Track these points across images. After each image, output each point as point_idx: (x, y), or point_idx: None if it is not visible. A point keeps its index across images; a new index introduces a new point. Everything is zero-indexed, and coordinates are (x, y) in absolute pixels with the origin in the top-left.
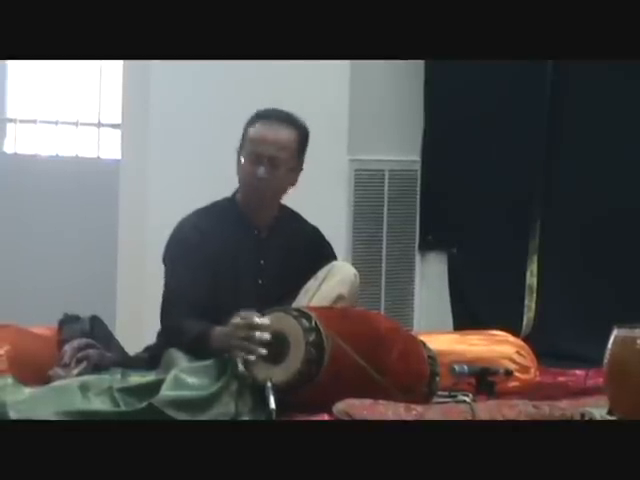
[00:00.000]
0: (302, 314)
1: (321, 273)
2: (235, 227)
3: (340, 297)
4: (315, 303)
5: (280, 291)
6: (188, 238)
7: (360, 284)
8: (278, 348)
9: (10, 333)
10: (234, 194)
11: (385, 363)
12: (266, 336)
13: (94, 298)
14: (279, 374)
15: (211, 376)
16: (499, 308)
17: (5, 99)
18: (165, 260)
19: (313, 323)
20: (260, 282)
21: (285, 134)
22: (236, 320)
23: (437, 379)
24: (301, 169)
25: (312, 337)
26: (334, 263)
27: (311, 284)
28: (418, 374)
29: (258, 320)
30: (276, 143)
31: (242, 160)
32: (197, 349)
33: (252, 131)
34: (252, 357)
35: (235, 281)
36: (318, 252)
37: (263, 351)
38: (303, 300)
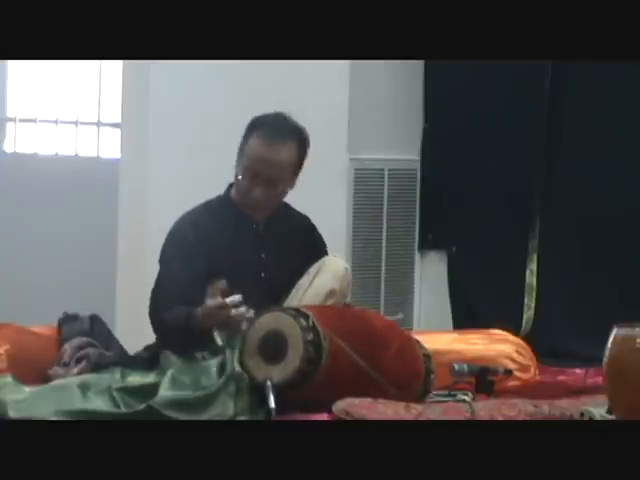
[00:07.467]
0: (300, 313)
1: (312, 269)
2: (233, 223)
3: (332, 292)
4: (308, 299)
5: (282, 282)
6: (186, 236)
7: (360, 283)
8: (276, 347)
9: (10, 332)
10: (227, 191)
11: (382, 361)
12: (250, 312)
13: (94, 297)
14: (278, 373)
15: (209, 376)
16: (499, 307)
17: (5, 98)
18: (162, 259)
19: (311, 322)
20: (263, 275)
21: (285, 152)
22: (217, 300)
23: (432, 377)
24: (300, 170)
25: (310, 336)
26: (325, 258)
27: (303, 280)
28: (414, 372)
29: (236, 297)
30: (278, 164)
31: (239, 172)
32: (187, 333)
33: (251, 146)
34: (244, 325)
35: (238, 276)
36: (311, 240)
37: (251, 312)
38: (296, 296)
